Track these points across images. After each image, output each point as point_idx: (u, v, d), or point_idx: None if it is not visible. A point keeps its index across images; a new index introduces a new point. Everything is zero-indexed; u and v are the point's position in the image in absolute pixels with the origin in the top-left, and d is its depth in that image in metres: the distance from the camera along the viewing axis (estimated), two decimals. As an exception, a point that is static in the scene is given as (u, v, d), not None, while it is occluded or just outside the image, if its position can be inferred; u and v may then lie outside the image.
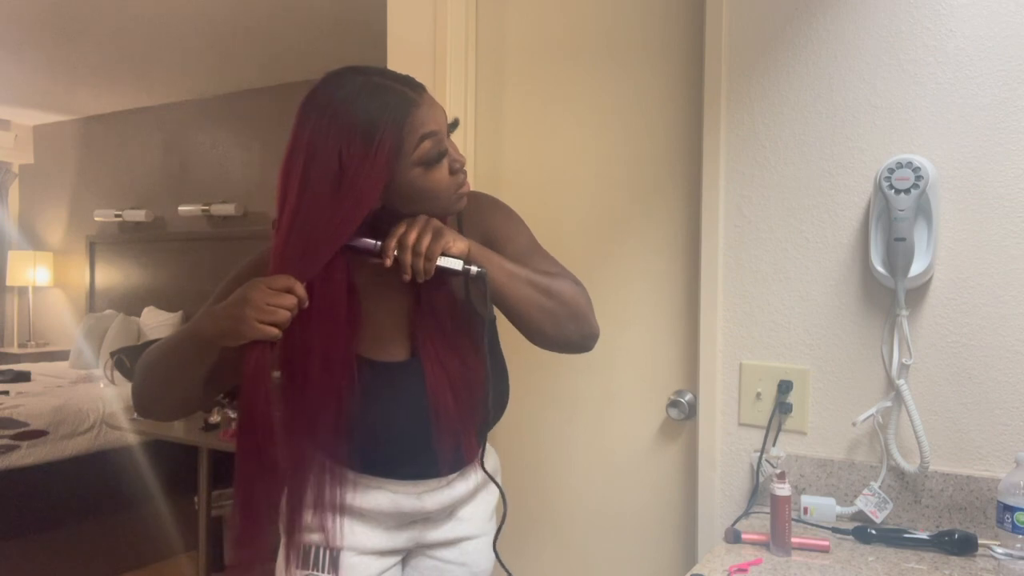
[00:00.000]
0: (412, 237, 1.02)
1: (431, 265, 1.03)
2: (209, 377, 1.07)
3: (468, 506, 1.27)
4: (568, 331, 1.14)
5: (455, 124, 1.08)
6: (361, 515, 1.19)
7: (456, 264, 1.04)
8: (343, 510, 1.17)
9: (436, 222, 1.04)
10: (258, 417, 1.01)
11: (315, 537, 1.17)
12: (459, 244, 1.04)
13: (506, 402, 1.29)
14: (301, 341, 1.03)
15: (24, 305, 6.03)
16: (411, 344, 1.16)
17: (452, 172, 1.07)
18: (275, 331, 0.97)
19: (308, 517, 1.16)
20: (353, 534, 1.18)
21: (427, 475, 1.19)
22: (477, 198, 1.22)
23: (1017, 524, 1.19)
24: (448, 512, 1.25)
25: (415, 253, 1.02)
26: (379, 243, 1.04)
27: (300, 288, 0.99)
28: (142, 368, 1.11)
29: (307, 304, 1.00)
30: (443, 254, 1.04)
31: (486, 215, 1.21)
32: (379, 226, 1.10)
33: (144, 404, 1.13)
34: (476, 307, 1.16)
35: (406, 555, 1.27)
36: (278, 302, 0.97)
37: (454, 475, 1.22)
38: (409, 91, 1.02)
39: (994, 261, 1.31)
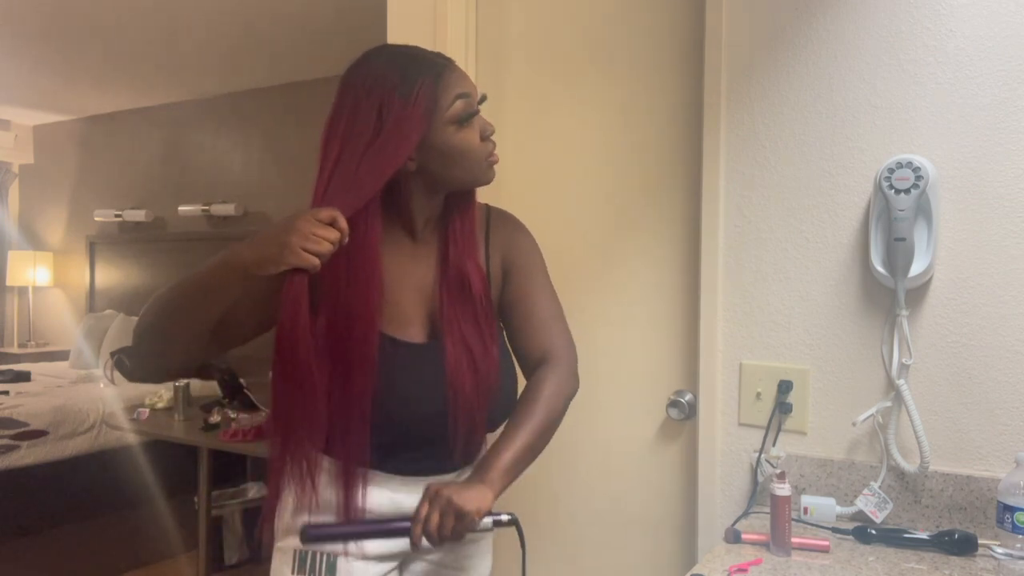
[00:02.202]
0: (435, 522, 1.00)
1: (460, 541, 1.03)
2: (222, 321, 1.07)
3: None
4: (561, 419, 1.19)
5: (483, 98, 1.14)
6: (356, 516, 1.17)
7: (488, 525, 1.03)
8: (325, 510, 1.15)
9: (456, 500, 1.00)
10: (299, 342, 1.01)
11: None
12: (483, 504, 1.02)
13: (515, 398, 1.28)
14: (331, 299, 1.06)
15: (24, 305, 6.03)
16: (430, 326, 1.17)
17: (482, 138, 1.12)
18: (316, 261, 0.98)
19: (299, 521, 1.14)
20: None
21: (433, 470, 1.18)
22: (506, 217, 1.27)
23: (1017, 524, 1.19)
24: None
25: (442, 538, 1.00)
26: (408, 526, 1.02)
27: (343, 222, 1.00)
28: (155, 302, 1.08)
29: (347, 240, 1.01)
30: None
31: (513, 238, 1.25)
32: (407, 202, 1.15)
33: (147, 343, 1.11)
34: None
35: (403, 560, 1.26)
36: (323, 233, 0.98)
37: (454, 475, 1.22)
38: (442, 59, 1.11)
39: (994, 261, 1.31)
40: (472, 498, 1.01)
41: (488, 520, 1.03)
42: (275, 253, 0.97)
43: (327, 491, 1.15)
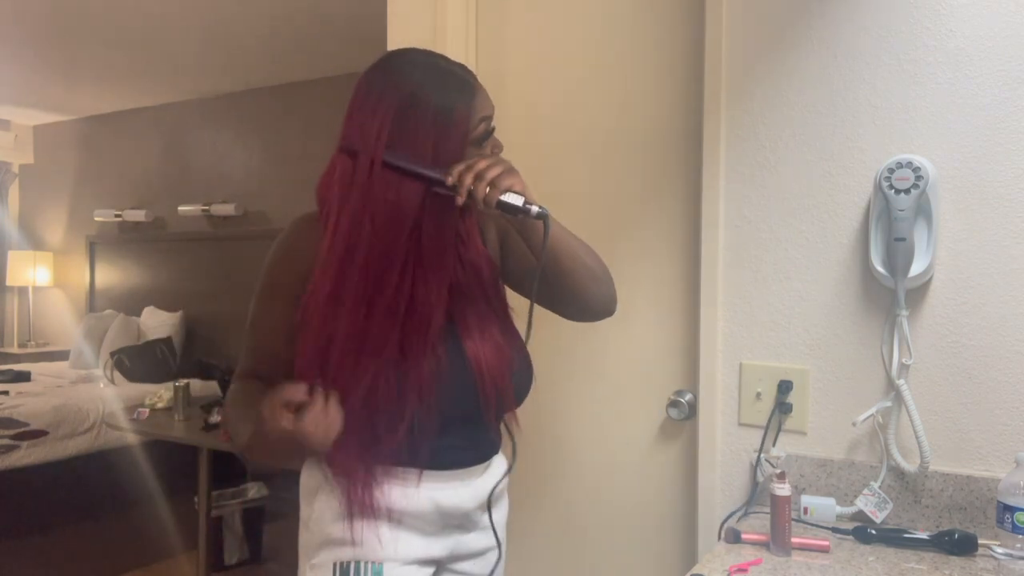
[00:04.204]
0: (482, 164, 1.02)
1: (494, 194, 1.01)
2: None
3: (493, 513, 1.25)
4: (605, 291, 1.20)
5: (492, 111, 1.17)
6: (397, 520, 1.14)
7: (518, 200, 1.02)
8: (378, 515, 1.13)
9: (509, 162, 1.05)
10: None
11: (347, 552, 1.12)
12: (522, 185, 1.04)
13: (531, 373, 1.27)
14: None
15: (24, 305, 6.03)
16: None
17: (491, 154, 1.14)
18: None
19: (338, 530, 1.12)
20: (392, 542, 1.13)
21: (468, 460, 1.18)
22: None
23: (1017, 524, 1.19)
24: (480, 510, 1.22)
25: (479, 178, 1.01)
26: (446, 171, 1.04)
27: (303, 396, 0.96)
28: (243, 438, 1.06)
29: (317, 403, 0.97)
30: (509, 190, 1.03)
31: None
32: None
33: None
34: (531, 253, 1.15)
35: (435, 570, 1.23)
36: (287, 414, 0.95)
37: (485, 465, 1.21)
38: (469, 76, 1.12)
39: (994, 261, 1.31)
40: (520, 175, 1.04)
41: (520, 199, 1.02)
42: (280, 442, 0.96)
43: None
